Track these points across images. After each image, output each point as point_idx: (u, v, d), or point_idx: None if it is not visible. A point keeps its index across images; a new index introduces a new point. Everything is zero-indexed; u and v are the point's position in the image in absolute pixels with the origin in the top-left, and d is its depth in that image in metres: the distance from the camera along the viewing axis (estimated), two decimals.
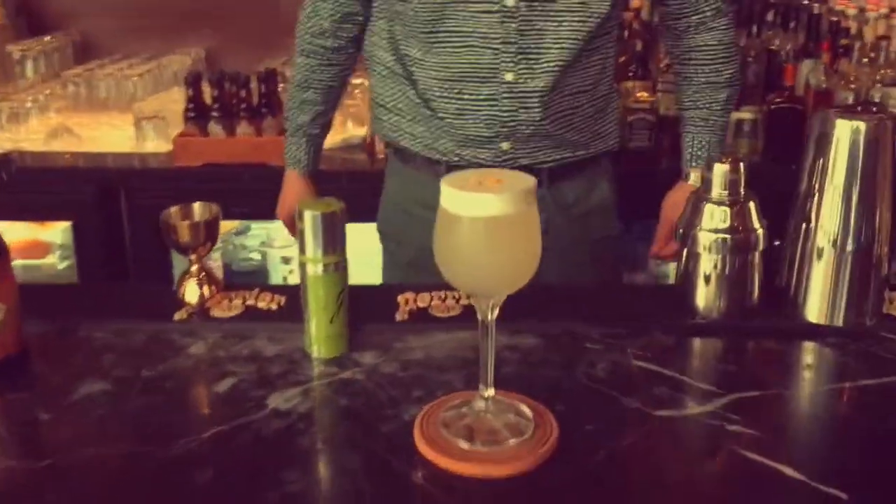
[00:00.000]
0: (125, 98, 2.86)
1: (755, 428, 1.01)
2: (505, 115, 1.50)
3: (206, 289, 1.28)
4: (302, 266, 1.14)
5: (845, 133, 1.18)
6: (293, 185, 1.80)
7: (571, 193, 1.64)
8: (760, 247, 1.22)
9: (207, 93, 2.60)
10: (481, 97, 1.50)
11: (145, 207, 2.48)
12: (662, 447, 0.99)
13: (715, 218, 1.22)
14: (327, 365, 1.15)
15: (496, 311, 0.97)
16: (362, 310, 1.26)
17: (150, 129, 2.68)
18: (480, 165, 1.53)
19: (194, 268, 1.28)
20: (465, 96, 1.50)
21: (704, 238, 1.22)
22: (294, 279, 2.84)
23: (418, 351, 1.18)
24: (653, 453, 0.98)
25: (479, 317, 0.97)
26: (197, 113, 2.56)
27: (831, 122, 1.19)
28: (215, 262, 2.79)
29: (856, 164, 1.18)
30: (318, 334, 1.15)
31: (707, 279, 1.24)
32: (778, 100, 2.54)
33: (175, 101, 2.71)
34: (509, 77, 1.48)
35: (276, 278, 2.81)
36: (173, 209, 1.27)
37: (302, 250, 1.13)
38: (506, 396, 1.03)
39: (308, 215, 1.11)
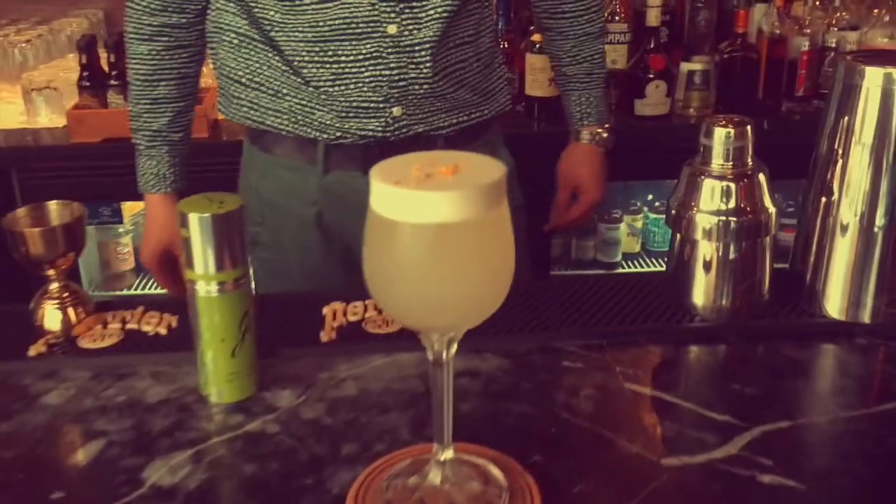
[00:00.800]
0: (13, 68, 2.46)
1: (796, 477, 0.74)
2: (393, 73, 1.19)
3: (71, 312, 0.96)
4: (190, 285, 0.83)
5: (876, 83, 0.91)
6: (159, 214, 1.36)
7: None
8: (773, 230, 0.95)
9: (104, 58, 2.23)
10: (361, 56, 1.19)
11: (41, 190, 2.14)
12: None
13: (716, 196, 0.94)
14: (229, 413, 0.84)
15: (454, 348, 0.68)
16: (277, 329, 0.96)
17: (42, 101, 2.31)
18: (368, 139, 1.23)
19: (54, 286, 0.96)
20: (343, 58, 1.19)
21: (703, 221, 0.95)
22: None
23: (350, 384, 0.89)
24: None
25: (430, 356, 0.68)
26: (93, 82, 2.20)
27: (858, 71, 0.91)
28: (126, 247, 2.44)
29: (889, 119, 0.91)
30: (217, 373, 0.84)
31: (707, 270, 0.96)
32: (730, 48, 2.29)
33: (70, 69, 2.33)
34: (392, 30, 1.18)
35: None
36: (20, 211, 0.94)
37: (189, 264, 0.82)
38: (467, 453, 0.75)
39: (194, 219, 0.80)
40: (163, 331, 0.96)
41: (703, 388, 0.89)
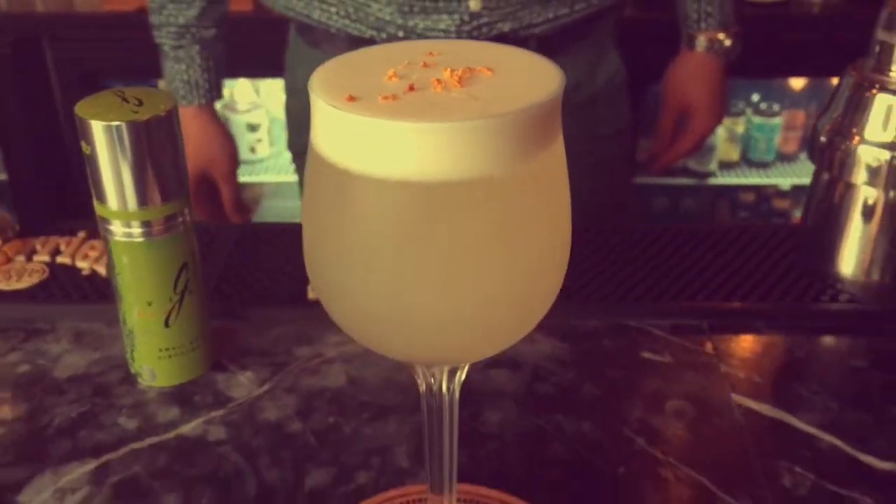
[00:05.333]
0: None
1: None
2: None
3: None
4: (102, 224, 0.56)
5: None
6: (193, 132, 1.10)
7: (571, 72, 1.00)
8: None
9: None
10: None
11: (75, 64, 1.92)
12: None
13: (894, 121, 0.62)
14: (161, 402, 0.59)
15: (462, 375, 0.40)
16: (254, 276, 0.69)
17: None
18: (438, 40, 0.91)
19: None
20: None
21: (870, 156, 0.63)
22: (264, 151, 2.26)
23: (337, 368, 0.62)
24: None
25: (421, 386, 0.40)
26: None
27: None
28: None
29: None
30: (146, 348, 0.58)
31: (867, 226, 0.65)
32: None
33: None
34: None
35: (242, 150, 2.22)
36: None
37: (98, 195, 0.55)
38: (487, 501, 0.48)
39: (99, 130, 0.52)
40: (101, 269, 0.70)
41: (853, 411, 0.59)
